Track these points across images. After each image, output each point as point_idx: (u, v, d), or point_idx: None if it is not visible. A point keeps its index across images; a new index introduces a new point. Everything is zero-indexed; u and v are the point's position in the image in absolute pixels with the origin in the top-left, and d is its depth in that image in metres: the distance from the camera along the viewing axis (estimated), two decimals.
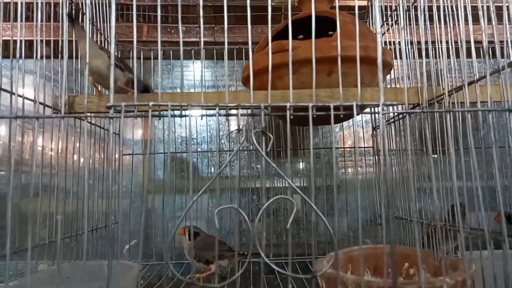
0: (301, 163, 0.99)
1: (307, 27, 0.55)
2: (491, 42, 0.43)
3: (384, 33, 0.77)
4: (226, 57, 0.43)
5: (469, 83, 0.46)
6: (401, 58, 0.64)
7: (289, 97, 0.42)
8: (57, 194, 0.50)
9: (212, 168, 0.97)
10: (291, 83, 0.41)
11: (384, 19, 0.75)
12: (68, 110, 0.54)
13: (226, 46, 0.43)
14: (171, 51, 0.97)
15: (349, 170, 0.99)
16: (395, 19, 0.71)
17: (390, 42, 0.75)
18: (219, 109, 0.37)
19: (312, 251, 0.35)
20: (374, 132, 0.83)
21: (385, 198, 0.36)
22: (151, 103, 0.36)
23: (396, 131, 0.70)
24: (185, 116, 0.36)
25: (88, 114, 0.45)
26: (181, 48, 0.41)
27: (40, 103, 0.48)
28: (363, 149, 0.94)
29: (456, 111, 0.42)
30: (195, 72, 0.96)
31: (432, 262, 0.47)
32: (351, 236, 0.92)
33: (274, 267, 0.34)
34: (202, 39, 0.45)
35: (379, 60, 0.39)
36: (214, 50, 0.93)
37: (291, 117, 0.38)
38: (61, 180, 0.53)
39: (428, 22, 0.53)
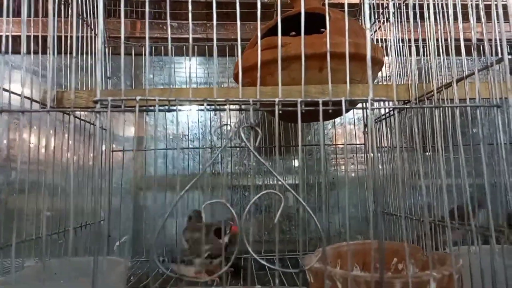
0: (293, 161, 0.99)
1: (299, 24, 0.55)
2: (480, 40, 0.44)
3: (376, 30, 0.77)
4: (215, 53, 0.43)
5: (459, 80, 0.46)
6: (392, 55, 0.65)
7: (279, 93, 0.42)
8: (44, 190, 0.49)
9: (201, 165, 0.97)
10: (280, 78, 0.41)
11: (376, 17, 0.75)
12: (57, 105, 0.54)
13: (215, 42, 0.43)
14: (162, 48, 0.96)
15: (342, 167, 1.00)
16: (387, 16, 0.72)
17: (382, 39, 0.75)
18: (208, 104, 0.37)
19: (299, 246, 0.35)
20: (366, 129, 0.83)
21: (373, 194, 0.36)
22: (138, 98, 0.35)
23: (387, 128, 0.70)
24: (173, 110, 0.36)
25: (75, 108, 0.44)
26: (170, 44, 0.41)
27: (27, 97, 0.47)
28: (355, 146, 0.94)
29: (444, 107, 0.42)
30: (186, 69, 0.95)
31: (421, 257, 0.48)
32: (342, 233, 0.93)
33: (263, 262, 0.34)
34: (191, 35, 0.44)
35: (368, 56, 0.40)
36: (206, 47, 0.93)
37: (280, 112, 0.38)
38: (50, 176, 0.53)
39: (418, 20, 0.54)
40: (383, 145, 0.73)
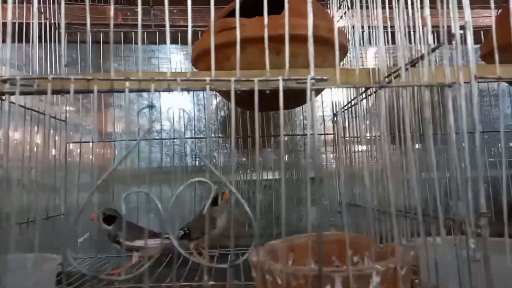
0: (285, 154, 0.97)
1: (261, 5, 0.52)
2: (436, 27, 0.41)
3: (342, 16, 0.75)
4: (140, 34, 0.39)
5: (413, 63, 0.43)
6: (362, 44, 0.62)
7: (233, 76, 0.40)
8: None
9: (169, 158, 0.93)
10: (213, 57, 0.38)
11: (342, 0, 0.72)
12: None
13: (138, 23, 0.39)
14: (122, 34, 0.93)
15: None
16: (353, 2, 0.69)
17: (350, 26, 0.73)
18: (130, 84, 0.34)
19: (231, 242, 0.33)
20: (335, 118, 0.81)
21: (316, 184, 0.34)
22: (50, 77, 0.32)
23: (353, 117, 0.67)
24: (90, 92, 0.33)
25: None
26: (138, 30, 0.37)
27: None
28: (326, 136, 0.92)
29: (390, 87, 0.40)
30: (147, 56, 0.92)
31: (376, 249, 0.45)
32: (315, 226, 0.90)
33: (185, 254, 0.31)
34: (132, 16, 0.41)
35: (310, 33, 0.37)
36: (170, 33, 0.89)
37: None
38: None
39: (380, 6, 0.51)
40: (351, 135, 0.70)
